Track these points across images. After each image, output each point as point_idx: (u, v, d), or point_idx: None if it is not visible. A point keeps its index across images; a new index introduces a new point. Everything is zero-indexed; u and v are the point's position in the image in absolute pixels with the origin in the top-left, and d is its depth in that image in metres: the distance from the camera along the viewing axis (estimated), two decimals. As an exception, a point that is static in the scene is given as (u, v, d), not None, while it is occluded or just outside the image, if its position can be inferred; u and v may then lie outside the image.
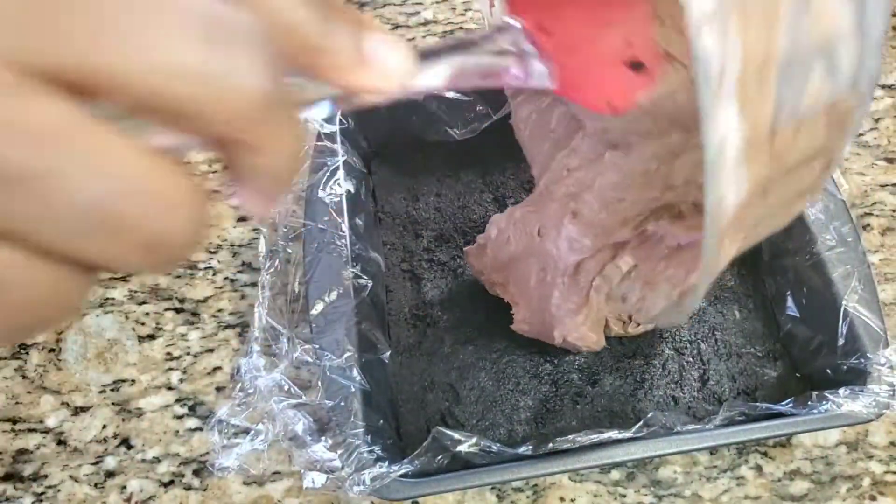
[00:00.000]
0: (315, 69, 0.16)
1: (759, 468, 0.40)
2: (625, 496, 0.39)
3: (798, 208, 0.23)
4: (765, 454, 0.40)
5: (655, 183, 0.29)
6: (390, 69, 0.17)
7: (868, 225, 0.47)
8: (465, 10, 0.56)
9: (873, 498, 0.39)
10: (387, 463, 0.34)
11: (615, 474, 0.40)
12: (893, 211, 0.47)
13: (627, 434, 0.35)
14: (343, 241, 0.41)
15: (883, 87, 0.51)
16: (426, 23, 0.57)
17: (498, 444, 0.35)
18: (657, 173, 0.29)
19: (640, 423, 0.35)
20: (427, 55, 0.21)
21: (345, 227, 0.41)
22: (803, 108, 0.19)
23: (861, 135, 0.50)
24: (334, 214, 0.41)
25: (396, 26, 0.57)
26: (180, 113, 0.13)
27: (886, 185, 0.48)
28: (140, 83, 0.12)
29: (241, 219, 0.49)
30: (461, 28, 0.55)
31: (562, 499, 0.39)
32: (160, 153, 0.13)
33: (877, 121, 0.50)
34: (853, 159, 0.49)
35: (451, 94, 0.46)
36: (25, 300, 0.12)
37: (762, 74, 0.17)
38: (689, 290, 0.27)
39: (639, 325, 0.41)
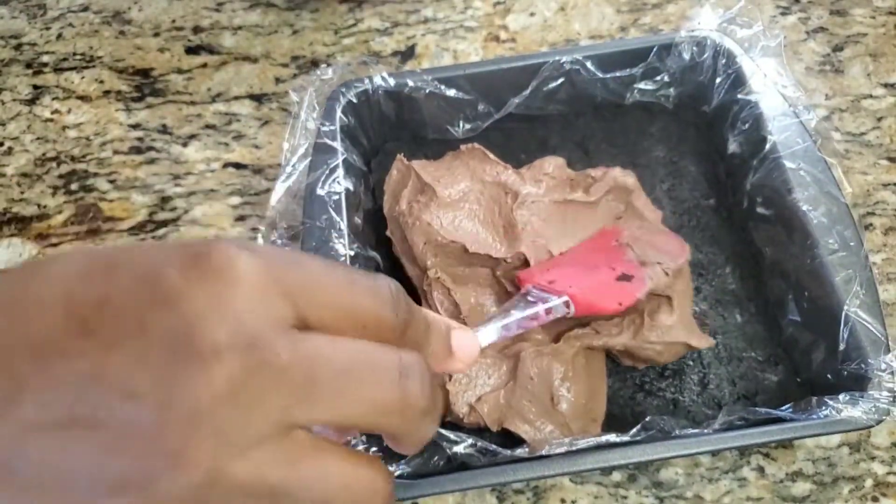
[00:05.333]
0: None
1: (760, 469, 0.39)
2: (626, 497, 0.39)
3: None
4: (767, 455, 0.40)
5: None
6: (467, 355, 0.26)
7: (870, 224, 0.46)
8: (465, 9, 0.56)
9: (875, 499, 0.39)
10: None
11: (616, 476, 0.40)
12: (896, 211, 0.47)
13: (625, 437, 0.35)
14: (342, 239, 0.40)
15: (885, 85, 0.51)
16: (426, 20, 0.56)
17: (494, 446, 0.35)
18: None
19: (638, 426, 0.35)
20: (485, 325, 0.31)
21: (343, 225, 0.41)
22: None
23: (863, 134, 0.49)
24: (333, 213, 0.41)
25: (396, 24, 0.56)
26: (377, 430, 0.20)
27: (889, 185, 0.47)
28: (359, 424, 0.19)
29: (240, 218, 0.49)
30: (461, 26, 0.55)
31: (563, 500, 0.39)
32: (359, 455, 0.20)
33: (879, 120, 0.50)
34: (856, 158, 0.48)
35: (451, 93, 0.46)
36: None
37: None
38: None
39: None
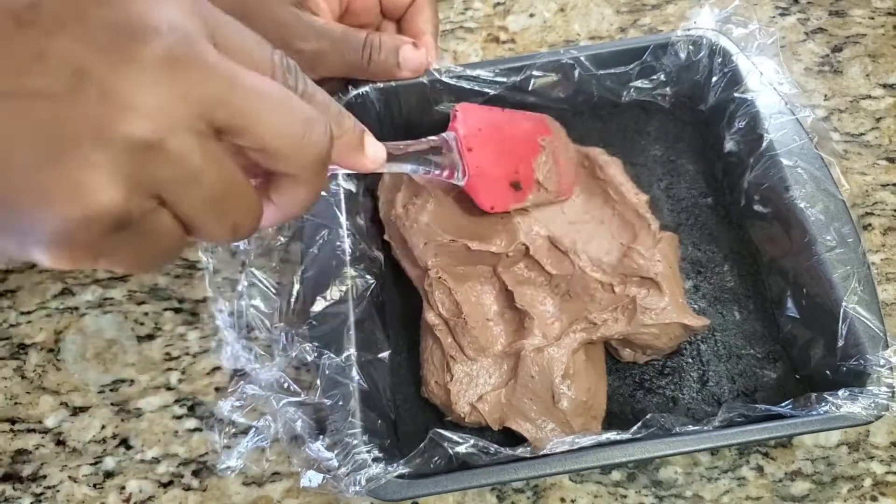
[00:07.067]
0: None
1: (760, 469, 0.40)
2: (626, 497, 0.39)
3: None
4: (766, 454, 0.40)
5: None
6: (373, 157, 0.28)
7: (869, 224, 0.46)
8: (465, 10, 0.56)
9: (874, 498, 0.39)
10: (383, 463, 0.34)
11: (616, 475, 0.40)
12: (894, 210, 0.47)
13: (626, 435, 0.35)
14: (343, 240, 0.41)
15: (884, 86, 0.51)
16: (426, 22, 0.56)
17: (495, 445, 0.35)
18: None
19: (639, 424, 0.35)
20: (395, 150, 0.33)
21: (345, 226, 0.41)
22: None
23: (862, 134, 0.49)
24: (334, 213, 0.41)
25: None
26: (275, 156, 0.22)
27: (888, 185, 0.48)
28: (264, 140, 0.22)
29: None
30: (461, 27, 0.55)
31: (562, 499, 0.39)
32: (254, 190, 0.23)
33: (878, 120, 0.50)
34: (854, 159, 0.49)
35: (450, 94, 0.46)
36: (166, 245, 0.21)
37: None
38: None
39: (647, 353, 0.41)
